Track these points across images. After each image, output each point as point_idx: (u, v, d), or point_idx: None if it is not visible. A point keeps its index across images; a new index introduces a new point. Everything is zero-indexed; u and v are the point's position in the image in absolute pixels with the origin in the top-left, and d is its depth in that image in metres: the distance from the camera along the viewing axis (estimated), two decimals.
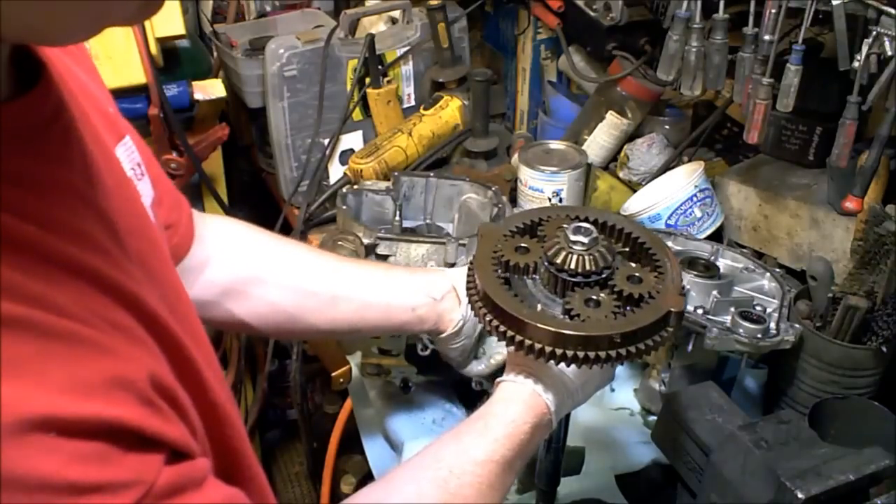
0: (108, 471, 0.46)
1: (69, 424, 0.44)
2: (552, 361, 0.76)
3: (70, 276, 0.49)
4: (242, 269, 0.99)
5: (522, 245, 0.84)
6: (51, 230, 0.48)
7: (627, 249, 0.86)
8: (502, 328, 0.77)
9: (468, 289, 0.83)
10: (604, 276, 0.81)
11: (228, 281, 0.98)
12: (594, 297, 0.79)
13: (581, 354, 0.74)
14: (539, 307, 0.80)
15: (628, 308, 0.78)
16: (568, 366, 0.76)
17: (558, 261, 0.80)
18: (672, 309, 0.77)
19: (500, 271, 0.82)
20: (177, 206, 0.90)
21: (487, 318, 0.79)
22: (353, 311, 1.03)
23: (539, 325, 0.75)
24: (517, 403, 0.82)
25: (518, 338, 0.76)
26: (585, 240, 0.80)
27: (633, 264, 0.84)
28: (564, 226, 0.82)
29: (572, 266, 0.79)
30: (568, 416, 0.95)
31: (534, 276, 0.84)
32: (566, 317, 0.78)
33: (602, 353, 0.75)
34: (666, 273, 0.82)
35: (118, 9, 0.47)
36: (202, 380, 0.59)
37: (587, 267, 0.80)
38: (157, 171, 0.86)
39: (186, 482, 0.51)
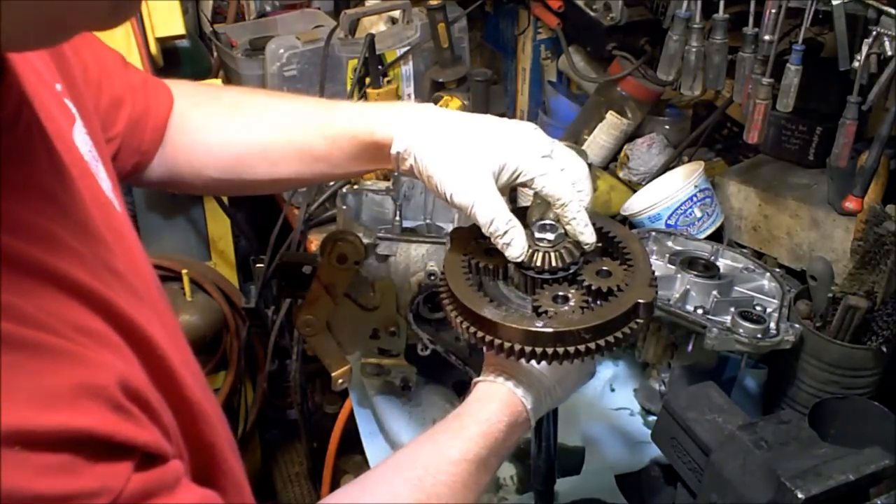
0: (75, 481, 0.45)
1: (35, 437, 0.44)
2: (523, 360, 0.76)
3: (37, 281, 0.48)
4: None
5: (492, 247, 0.84)
6: (17, 234, 0.48)
7: (599, 244, 0.87)
8: (473, 329, 0.78)
9: (441, 294, 0.84)
10: (571, 271, 0.81)
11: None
12: (562, 294, 0.79)
13: (550, 351, 0.75)
14: (512, 307, 0.81)
15: (597, 302, 0.79)
16: (539, 363, 0.77)
17: (525, 259, 0.80)
18: (640, 300, 0.77)
19: (471, 275, 0.83)
20: (144, 115, 0.89)
21: (459, 321, 0.80)
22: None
23: (508, 325, 0.76)
24: (492, 402, 0.82)
25: (488, 338, 0.77)
26: (551, 236, 0.81)
27: (604, 258, 0.85)
28: (530, 224, 0.83)
29: (539, 263, 0.80)
30: (556, 414, 0.96)
31: (504, 276, 0.85)
32: (536, 315, 0.78)
33: (571, 349, 0.75)
34: (636, 265, 0.82)
35: (78, 11, 0.45)
36: (176, 378, 0.59)
37: (553, 263, 0.80)
38: (120, 70, 0.87)
39: (157, 486, 0.51)
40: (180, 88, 0.96)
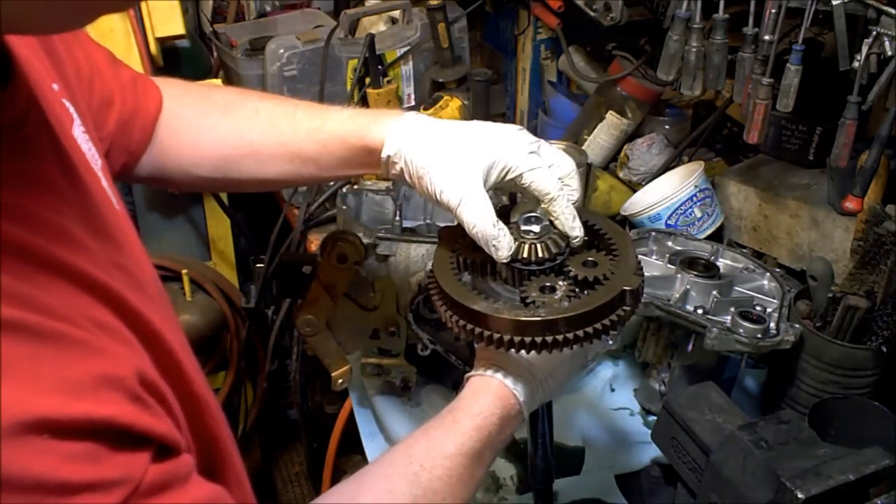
0: (98, 470, 0.46)
1: (61, 425, 0.44)
2: (513, 350, 0.77)
3: (56, 276, 0.49)
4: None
5: None
6: (36, 231, 0.49)
7: (585, 238, 0.87)
8: (462, 322, 0.79)
9: (430, 291, 0.85)
10: (557, 262, 0.82)
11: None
12: (549, 284, 0.80)
13: (539, 340, 0.76)
14: (500, 300, 0.82)
15: (584, 291, 0.80)
16: (528, 352, 0.77)
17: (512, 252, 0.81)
18: (626, 287, 0.78)
19: (459, 270, 0.84)
20: (135, 112, 0.90)
21: (448, 315, 0.81)
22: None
23: (496, 316, 0.77)
24: (485, 396, 0.82)
25: (478, 330, 0.78)
26: (537, 228, 0.82)
27: (589, 250, 0.86)
28: (516, 218, 0.84)
29: (525, 255, 0.81)
30: (551, 412, 0.96)
31: (493, 271, 0.86)
32: (524, 305, 0.79)
33: (560, 337, 0.76)
34: (621, 255, 0.83)
35: None
36: (183, 371, 0.60)
37: (540, 254, 0.81)
38: (110, 68, 0.87)
39: (172, 478, 0.52)
40: (171, 89, 0.96)
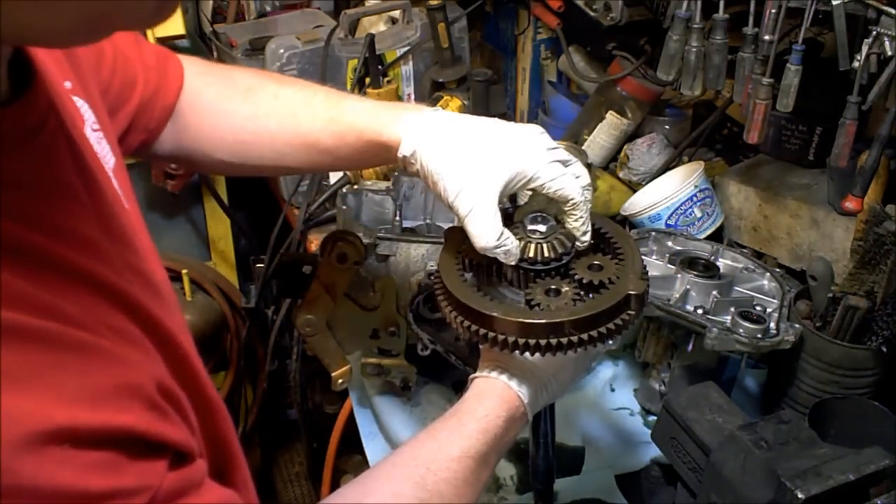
0: (118, 478, 0.46)
1: (82, 434, 0.44)
2: (517, 352, 0.77)
3: (75, 283, 0.49)
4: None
5: None
6: (54, 237, 0.49)
7: (591, 241, 0.87)
8: (467, 323, 0.79)
9: (436, 291, 0.84)
10: (563, 262, 0.82)
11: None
12: (555, 287, 0.80)
13: (544, 342, 0.76)
14: (506, 302, 0.82)
15: (590, 295, 0.80)
16: (532, 354, 0.77)
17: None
18: (632, 292, 0.78)
19: (465, 271, 0.84)
20: (156, 93, 0.90)
21: (453, 315, 0.81)
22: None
23: (502, 318, 0.77)
24: (489, 398, 0.82)
25: (483, 331, 0.78)
26: (543, 228, 0.82)
27: (595, 254, 0.86)
28: (524, 218, 0.84)
29: (531, 255, 0.81)
30: (553, 413, 0.96)
31: (498, 272, 0.86)
32: (529, 307, 0.79)
33: (565, 340, 0.76)
34: (626, 259, 0.83)
35: (124, 10, 0.46)
36: (198, 376, 0.60)
37: (545, 254, 0.81)
38: (134, 48, 0.87)
39: (187, 485, 0.52)
40: (194, 67, 0.96)
